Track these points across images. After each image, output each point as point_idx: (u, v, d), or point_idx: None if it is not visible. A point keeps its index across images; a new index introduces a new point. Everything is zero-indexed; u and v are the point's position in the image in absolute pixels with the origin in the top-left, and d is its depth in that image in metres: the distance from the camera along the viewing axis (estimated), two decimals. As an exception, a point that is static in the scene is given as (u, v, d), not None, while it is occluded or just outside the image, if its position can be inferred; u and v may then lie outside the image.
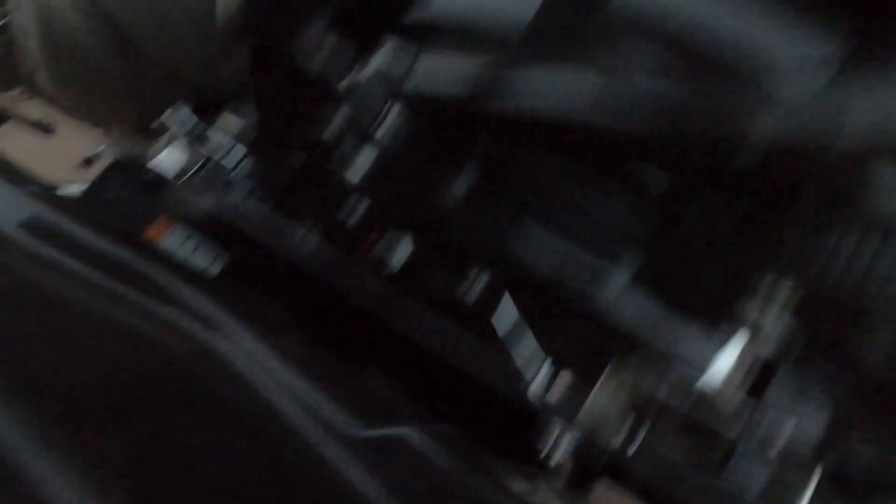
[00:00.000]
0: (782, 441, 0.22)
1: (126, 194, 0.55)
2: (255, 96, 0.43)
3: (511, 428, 0.26)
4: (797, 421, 0.22)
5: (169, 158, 0.54)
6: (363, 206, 0.31)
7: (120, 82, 0.46)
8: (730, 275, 0.22)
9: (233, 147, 0.42)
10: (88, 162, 1.68)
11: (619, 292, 0.23)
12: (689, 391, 0.23)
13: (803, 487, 0.21)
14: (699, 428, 0.21)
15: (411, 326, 0.27)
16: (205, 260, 0.51)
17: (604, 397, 0.24)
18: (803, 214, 0.21)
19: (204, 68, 0.42)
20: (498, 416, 0.27)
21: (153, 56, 0.44)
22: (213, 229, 0.40)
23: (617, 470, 0.23)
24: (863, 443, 0.22)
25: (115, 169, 0.53)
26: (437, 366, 0.26)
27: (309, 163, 0.36)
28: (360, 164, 0.32)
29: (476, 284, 0.29)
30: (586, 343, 0.26)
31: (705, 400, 0.23)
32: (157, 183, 0.54)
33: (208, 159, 0.43)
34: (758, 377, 0.23)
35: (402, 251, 0.29)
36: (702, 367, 0.23)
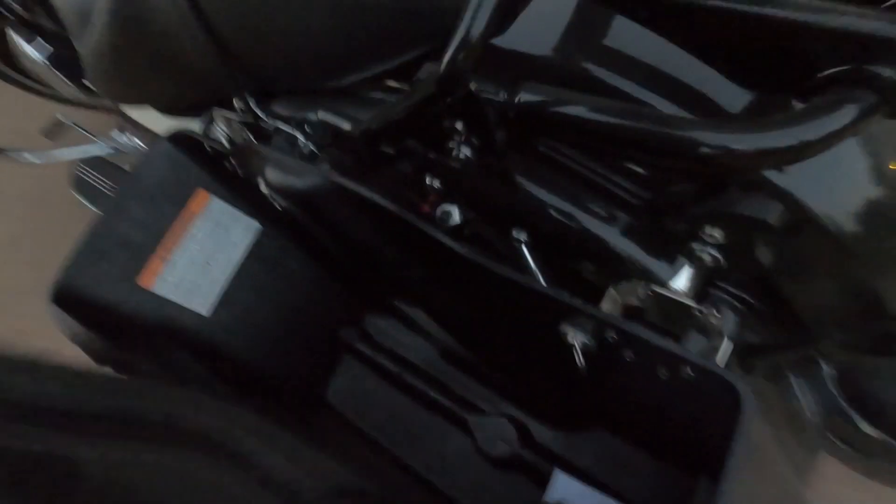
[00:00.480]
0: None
1: (174, 167, 0.61)
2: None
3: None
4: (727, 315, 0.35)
5: (218, 133, 0.60)
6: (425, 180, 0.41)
7: (195, 73, 0.52)
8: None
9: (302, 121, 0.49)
10: (50, 134, 1.67)
11: (618, 234, 0.35)
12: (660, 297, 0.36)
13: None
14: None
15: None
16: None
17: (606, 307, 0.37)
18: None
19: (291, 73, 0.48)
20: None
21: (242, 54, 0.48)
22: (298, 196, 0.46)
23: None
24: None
25: (166, 141, 0.59)
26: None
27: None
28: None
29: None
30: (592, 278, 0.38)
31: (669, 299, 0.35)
32: (205, 155, 0.61)
33: (278, 130, 0.50)
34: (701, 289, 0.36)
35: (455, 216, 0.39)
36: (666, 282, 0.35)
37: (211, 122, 0.61)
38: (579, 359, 0.38)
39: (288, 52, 0.45)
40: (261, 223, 0.65)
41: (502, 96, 0.31)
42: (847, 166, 0.31)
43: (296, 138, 0.50)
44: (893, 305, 0.34)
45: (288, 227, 0.65)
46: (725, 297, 0.36)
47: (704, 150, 0.25)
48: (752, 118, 0.29)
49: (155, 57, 0.52)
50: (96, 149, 1.46)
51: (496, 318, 0.45)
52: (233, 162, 0.59)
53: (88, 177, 1.41)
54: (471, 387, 0.66)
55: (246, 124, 0.56)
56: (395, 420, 0.69)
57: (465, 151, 0.34)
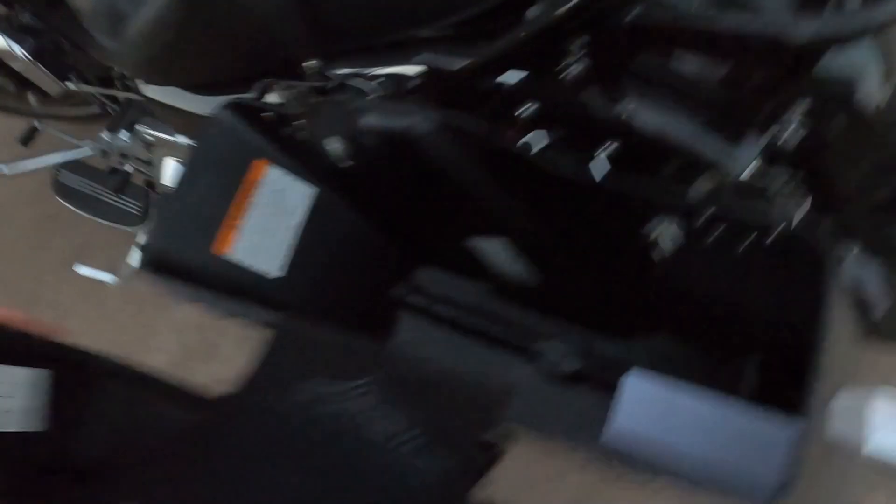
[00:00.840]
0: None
1: (234, 137, 0.63)
2: None
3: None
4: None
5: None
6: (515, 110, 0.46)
7: (266, 40, 0.53)
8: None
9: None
10: (25, 140, 1.63)
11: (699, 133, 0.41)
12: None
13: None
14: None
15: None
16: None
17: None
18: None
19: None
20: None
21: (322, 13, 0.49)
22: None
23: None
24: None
25: (227, 112, 0.61)
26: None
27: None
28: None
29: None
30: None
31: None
32: (261, 123, 0.63)
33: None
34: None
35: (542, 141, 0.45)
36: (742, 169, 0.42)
37: (265, 91, 0.63)
38: (663, 252, 0.45)
39: (366, 5, 0.48)
40: (317, 186, 0.68)
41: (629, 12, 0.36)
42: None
43: (363, 94, 0.54)
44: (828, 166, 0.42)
45: (343, 188, 0.68)
46: (784, 177, 0.43)
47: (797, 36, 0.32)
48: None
49: (227, 26, 0.54)
50: (75, 153, 1.42)
51: (579, 236, 0.51)
52: (293, 127, 0.61)
53: (69, 181, 1.36)
54: (527, 316, 0.72)
55: (313, 87, 0.59)
56: (457, 362, 0.74)
57: (576, 70, 0.40)
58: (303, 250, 0.69)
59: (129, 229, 1.41)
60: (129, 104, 1.25)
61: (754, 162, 0.42)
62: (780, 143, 0.40)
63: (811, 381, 0.37)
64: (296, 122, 0.60)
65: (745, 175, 0.42)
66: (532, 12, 0.40)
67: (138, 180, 1.36)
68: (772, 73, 0.37)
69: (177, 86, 0.70)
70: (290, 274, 0.68)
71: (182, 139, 1.00)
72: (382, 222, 0.72)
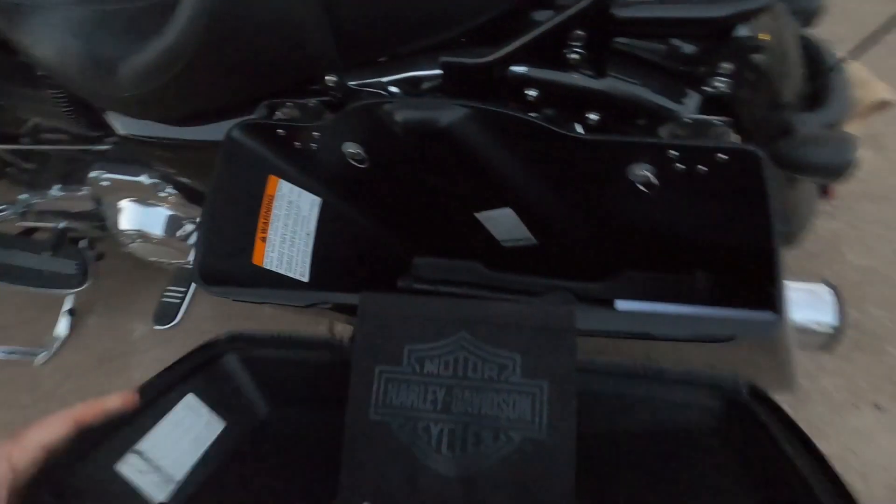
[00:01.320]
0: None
1: (249, 157, 0.67)
2: None
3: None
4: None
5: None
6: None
7: (290, 60, 0.58)
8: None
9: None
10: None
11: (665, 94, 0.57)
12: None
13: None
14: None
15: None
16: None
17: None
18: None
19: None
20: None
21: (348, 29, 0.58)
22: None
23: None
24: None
25: (240, 132, 0.65)
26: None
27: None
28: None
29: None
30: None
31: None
32: (271, 139, 0.68)
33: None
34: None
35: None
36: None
37: (272, 111, 0.68)
38: (648, 184, 0.59)
39: (388, 15, 0.56)
40: (325, 193, 0.74)
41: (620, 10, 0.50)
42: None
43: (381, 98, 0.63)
44: (785, 97, 0.61)
45: (348, 192, 0.75)
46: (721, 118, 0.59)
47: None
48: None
49: (252, 51, 0.59)
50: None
51: (571, 192, 0.63)
52: (303, 140, 0.67)
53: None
54: (521, 280, 0.83)
55: (324, 101, 0.65)
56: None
57: (577, 54, 0.53)
58: (319, 255, 0.74)
59: (66, 293, 1.29)
60: (50, 158, 1.17)
61: (698, 109, 0.58)
62: (715, 93, 0.56)
63: (780, 279, 0.47)
64: (306, 135, 0.66)
65: (693, 119, 0.58)
66: (540, 15, 0.51)
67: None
68: (703, 44, 0.53)
69: (172, 117, 0.71)
70: (313, 279, 0.73)
71: (145, 178, 0.99)
72: (385, 219, 0.79)
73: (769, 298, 0.48)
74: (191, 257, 0.99)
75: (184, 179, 0.98)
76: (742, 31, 0.53)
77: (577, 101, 0.59)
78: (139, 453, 0.50)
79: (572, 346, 0.48)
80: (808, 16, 0.74)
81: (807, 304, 0.74)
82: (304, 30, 0.56)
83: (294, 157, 0.70)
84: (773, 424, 0.47)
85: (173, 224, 1.04)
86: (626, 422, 0.54)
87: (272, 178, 0.70)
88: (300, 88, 0.67)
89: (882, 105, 0.91)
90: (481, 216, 0.72)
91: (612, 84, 0.57)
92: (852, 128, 0.76)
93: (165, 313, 1.40)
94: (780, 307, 0.47)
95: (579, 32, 0.52)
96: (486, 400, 0.48)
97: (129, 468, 0.49)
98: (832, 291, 0.72)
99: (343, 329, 0.73)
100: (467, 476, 0.47)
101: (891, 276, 1.21)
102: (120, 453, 0.49)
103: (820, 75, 0.66)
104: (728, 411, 0.52)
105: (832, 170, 0.61)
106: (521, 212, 0.70)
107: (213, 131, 0.75)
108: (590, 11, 0.50)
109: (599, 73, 0.56)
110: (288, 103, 0.67)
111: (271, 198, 0.70)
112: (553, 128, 0.55)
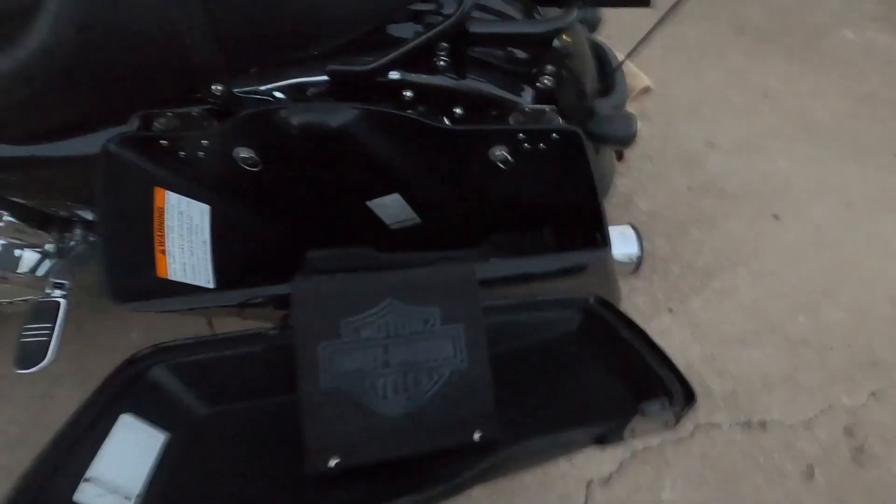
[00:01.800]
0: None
1: (130, 170, 0.66)
2: None
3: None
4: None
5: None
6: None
7: (169, 68, 0.56)
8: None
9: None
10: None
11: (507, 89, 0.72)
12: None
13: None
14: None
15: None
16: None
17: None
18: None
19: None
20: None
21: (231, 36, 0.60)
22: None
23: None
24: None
25: (117, 147, 0.63)
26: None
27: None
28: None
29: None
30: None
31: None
32: (152, 149, 0.67)
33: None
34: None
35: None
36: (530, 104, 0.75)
37: (148, 121, 0.68)
38: (505, 162, 0.75)
39: (272, 26, 0.61)
40: (214, 198, 0.75)
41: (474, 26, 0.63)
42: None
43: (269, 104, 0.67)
44: (587, 89, 0.83)
45: (240, 193, 0.77)
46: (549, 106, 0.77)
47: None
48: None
49: (129, 61, 0.58)
50: None
51: (446, 175, 0.76)
52: (187, 148, 0.68)
53: None
54: (408, 256, 0.94)
55: (208, 109, 0.67)
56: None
57: (443, 61, 0.64)
58: (219, 260, 0.76)
59: None
60: None
61: (533, 100, 0.75)
62: (543, 88, 0.74)
63: (605, 224, 0.70)
64: (193, 144, 0.68)
65: (531, 108, 0.75)
66: (407, 29, 0.62)
67: None
68: (533, 52, 0.70)
69: (21, 135, 0.65)
70: (219, 284, 0.75)
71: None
72: (279, 217, 0.83)
73: (595, 240, 0.68)
74: (48, 289, 0.89)
75: (18, 199, 0.86)
76: (557, 42, 0.71)
77: (444, 99, 0.71)
78: (91, 480, 0.49)
79: (476, 293, 0.62)
80: (592, 24, 0.98)
81: (619, 241, 0.99)
82: (186, 39, 0.58)
83: (178, 167, 0.71)
84: (617, 323, 0.67)
85: (7, 256, 0.91)
86: (519, 342, 0.70)
87: (159, 191, 0.70)
88: (179, 97, 0.67)
89: (646, 90, 1.23)
90: (372, 203, 0.81)
91: (470, 84, 0.71)
92: (630, 107, 1.03)
93: (28, 355, 1.18)
94: (607, 242, 0.67)
95: (444, 44, 0.65)
96: (417, 349, 0.59)
97: (87, 496, 0.48)
98: (635, 231, 0.98)
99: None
100: (413, 411, 0.57)
101: (666, 215, 1.62)
102: (74, 482, 0.48)
103: (607, 72, 0.90)
104: (585, 319, 0.71)
105: (624, 139, 0.84)
106: (406, 195, 0.80)
107: (72, 146, 0.70)
108: (452, 29, 0.62)
109: (461, 76, 0.69)
110: (168, 113, 0.67)
111: (161, 210, 0.69)
112: (428, 122, 0.67)
